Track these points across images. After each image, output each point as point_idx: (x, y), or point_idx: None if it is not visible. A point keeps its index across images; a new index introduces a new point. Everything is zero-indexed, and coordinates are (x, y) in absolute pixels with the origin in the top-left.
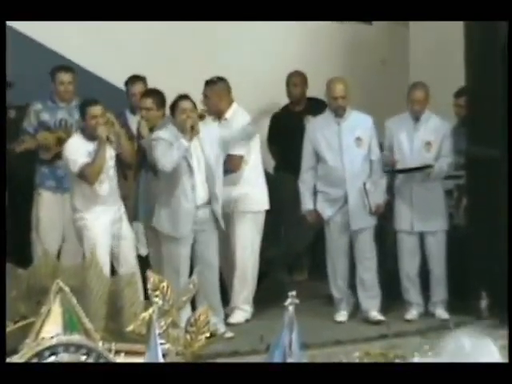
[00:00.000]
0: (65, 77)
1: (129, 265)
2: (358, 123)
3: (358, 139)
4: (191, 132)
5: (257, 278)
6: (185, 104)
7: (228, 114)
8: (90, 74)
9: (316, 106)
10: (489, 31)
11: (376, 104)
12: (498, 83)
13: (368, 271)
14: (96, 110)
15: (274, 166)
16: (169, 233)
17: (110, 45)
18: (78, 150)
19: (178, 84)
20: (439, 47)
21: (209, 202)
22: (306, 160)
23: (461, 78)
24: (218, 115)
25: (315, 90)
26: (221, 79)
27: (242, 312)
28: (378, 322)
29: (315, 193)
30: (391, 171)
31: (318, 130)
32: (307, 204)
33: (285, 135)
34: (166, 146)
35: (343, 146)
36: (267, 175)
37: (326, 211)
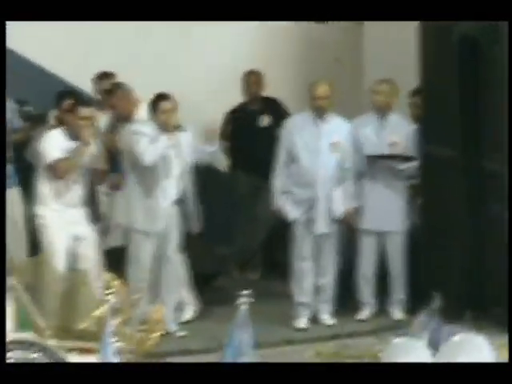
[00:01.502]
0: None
1: (89, 265)
2: (337, 128)
3: (335, 144)
4: (173, 131)
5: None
6: (166, 105)
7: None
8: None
9: (272, 106)
10: (442, 30)
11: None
12: (451, 82)
13: (326, 276)
14: (88, 111)
15: (228, 164)
16: (144, 229)
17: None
18: (55, 144)
19: (138, 83)
20: (393, 46)
21: (178, 201)
22: (281, 157)
23: (414, 77)
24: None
25: (270, 88)
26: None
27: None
28: (329, 326)
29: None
30: (373, 157)
31: (296, 130)
32: (280, 201)
33: (239, 133)
34: (148, 141)
35: (319, 148)
36: (221, 173)
37: (292, 212)
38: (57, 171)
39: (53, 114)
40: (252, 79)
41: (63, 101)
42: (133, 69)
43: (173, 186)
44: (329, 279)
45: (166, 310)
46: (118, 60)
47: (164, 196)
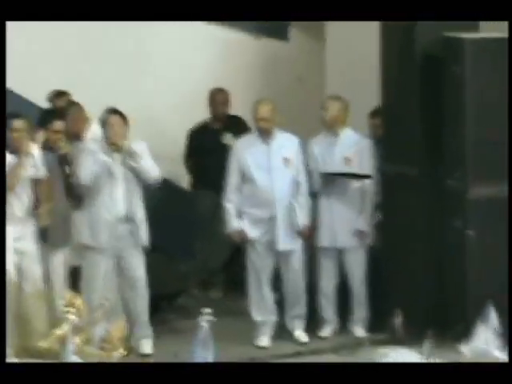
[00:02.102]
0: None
1: (33, 281)
2: (285, 143)
3: (286, 159)
4: (114, 146)
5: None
6: (113, 119)
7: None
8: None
9: (235, 124)
10: (404, 48)
11: (292, 121)
12: (412, 99)
13: (294, 293)
14: (19, 123)
15: (190, 182)
16: (88, 243)
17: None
18: None
19: (99, 96)
20: (355, 64)
21: (129, 219)
22: (233, 179)
23: (377, 95)
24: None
25: (231, 106)
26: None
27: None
28: (302, 343)
29: (240, 213)
30: (328, 174)
31: (246, 150)
32: (233, 223)
33: (202, 152)
34: (89, 158)
35: (272, 165)
36: (183, 191)
37: (252, 232)
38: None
39: (40, 134)
40: (219, 98)
41: (50, 121)
42: (91, 83)
43: (118, 202)
44: (299, 296)
45: (140, 329)
46: (75, 73)
47: (108, 211)
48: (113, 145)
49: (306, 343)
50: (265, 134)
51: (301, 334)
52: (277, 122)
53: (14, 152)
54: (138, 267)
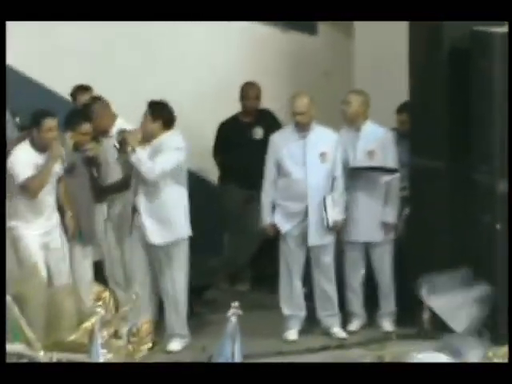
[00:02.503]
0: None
1: (62, 275)
2: (323, 138)
3: (323, 154)
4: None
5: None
6: (50, 122)
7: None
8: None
9: (265, 118)
10: (432, 42)
11: (318, 115)
12: (440, 93)
13: (327, 288)
14: (52, 122)
15: (219, 176)
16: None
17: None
18: (24, 161)
19: (123, 95)
20: (383, 58)
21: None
22: (269, 172)
23: (404, 90)
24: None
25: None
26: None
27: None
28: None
29: (274, 206)
30: (355, 169)
31: (283, 143)
32: (267, 217)
33: (232, 145)
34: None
35: (308, 160)
36: (211, 185)
37: (285, 225)
38: (29, 190)
39: (68, 136)
40: (252, 92)
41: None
42: (119, 79)
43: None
44: (332, 291)
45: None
46: (101, 70)
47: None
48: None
49: (344, 338)
50: (302, 128)
51: (338, 331)
52: (313, 115)
53: (42, 151)
54: (174, 262)
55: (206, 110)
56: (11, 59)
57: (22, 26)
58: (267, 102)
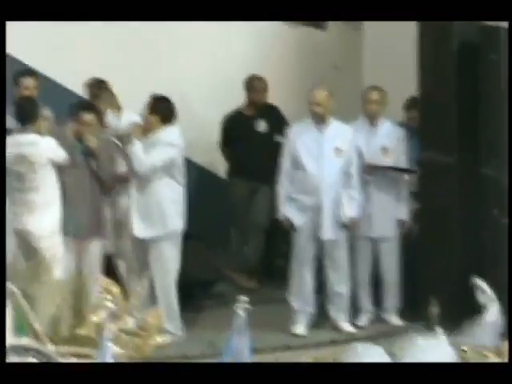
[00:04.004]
0: (29, 81)
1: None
2: (339, 133)
3: (338, 149)
4: None
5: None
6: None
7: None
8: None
9: (269, 112)
10: (441, 37)
11: None
12: (449, 88)
13: (338, 283)
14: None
15: (226, 170)
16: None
17: (69, 49)
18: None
19: (133, 87)
20: (392, 52)
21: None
22: (285, 165)
23: (414, 83)
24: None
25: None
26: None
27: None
28: (349, 333)
29: (289, 199)
30: (374, 167)
31: (299, 136)
32: (281, 209)
33: (236, 139)
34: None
35: (323, 153)
36: (219, 179)
37: (298, 218)
38: None
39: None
40: (258, 85)
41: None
42: (127, 71)
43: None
44: (344, 287)
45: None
46: (111, 62)
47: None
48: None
49: (352, 333)
50: (319, 121)
51: (347, 325)
52: (331, 109)
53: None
54: (172, 255)
55: (214, 103)
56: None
57: (34, 23)
58: (277, 97)
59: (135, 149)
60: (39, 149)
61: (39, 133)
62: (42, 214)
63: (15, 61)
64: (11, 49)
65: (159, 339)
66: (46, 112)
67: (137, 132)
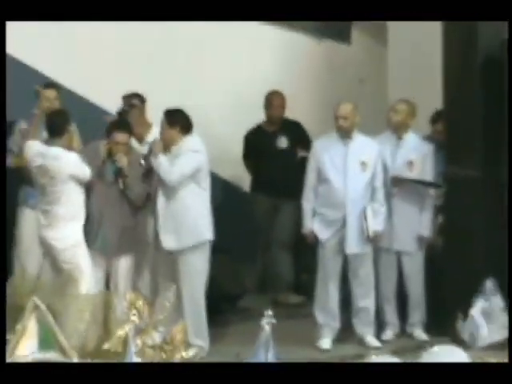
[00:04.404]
0: (51, 93)
1: (99, 283)
2: (364, 147)
3: (363, 163)
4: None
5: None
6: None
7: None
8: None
9: (290, 128)
10: (466, 49)
11: None
12: (475, 102)
13: (364, 298)
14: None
15: (250, 186)
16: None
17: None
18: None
19: (158, 98)
20: (418, 66)
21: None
22: (310, 178)
23: (439, 97)
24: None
25: (292, 109)
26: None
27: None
28: (375, 348)
29: (314, 213)
30: (400, 179)
31: (324, 149)
32: (307, 223)
33: (257, 155)
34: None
35: (348, 168)
36: (243, 193)
37: (323, 233)
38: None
39: (102, 144)
40: (276, 101)
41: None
42: (150, 85)
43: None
44: (369, 301)
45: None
46: (134, 76)
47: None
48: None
49: (378, 347)
50: (344, 135)
51: (372, 340)
52: (357, 123)
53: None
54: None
55: (240, 117)
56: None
57: (58, 26)
58: (302, 112)
59: (161, 161)
60: (61, 163)
61: (66, 147)
62: (65, 228)
63: (36, 73)
64: (30, 60)
65: (184, 353)
66: (72, 126)
67: (158, 147)
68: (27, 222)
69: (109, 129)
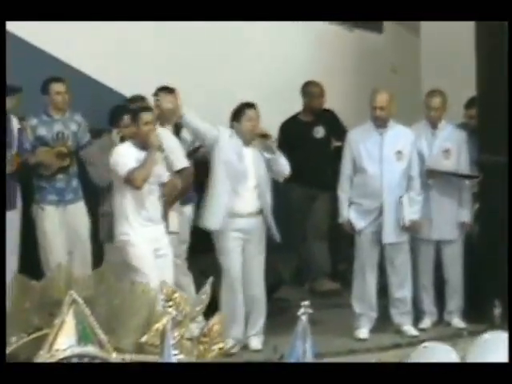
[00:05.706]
0: (59, 87)
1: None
2: (400, 136)
3: (399, 152)
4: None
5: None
6: (147, 116)
7: None
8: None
9: (326, 117)
10: (499, 38)
11: None
12: (508, 89)
13: (401, 287)
14: (149, 116)
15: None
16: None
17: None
18: (128, 155)
19: (190, 89)
20: (450, 54)
21: (259, 212)
22: (346, 169)
23: (472, 84)
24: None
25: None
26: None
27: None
28: (413, 337)
29: (350, 203)
30: (436, 171)
31: (360, 140)
32: (343, 213)
33: (293, 145)
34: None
35: (384, 157)
36: (278, 183)
37: (359, 222)
38: (134, 181)
39: (115, 133)
40: (315, 91)
41: (121, 118)
42: (184, 75)
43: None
44: (406, 291)
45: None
46: (165, 71)
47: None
48: (256, 135)
49: (416, 336)
50: (380, 124)
51: (410, 329)
52: (392, 112)
53: (142, 148)
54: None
55: (273, 107)
56: (75, 60)
57: (84, 25)
58: (334, 101)
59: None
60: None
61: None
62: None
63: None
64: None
65: (222, 345)
66: (78, 117)
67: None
68: (49, 218)
69: (116, 116)
